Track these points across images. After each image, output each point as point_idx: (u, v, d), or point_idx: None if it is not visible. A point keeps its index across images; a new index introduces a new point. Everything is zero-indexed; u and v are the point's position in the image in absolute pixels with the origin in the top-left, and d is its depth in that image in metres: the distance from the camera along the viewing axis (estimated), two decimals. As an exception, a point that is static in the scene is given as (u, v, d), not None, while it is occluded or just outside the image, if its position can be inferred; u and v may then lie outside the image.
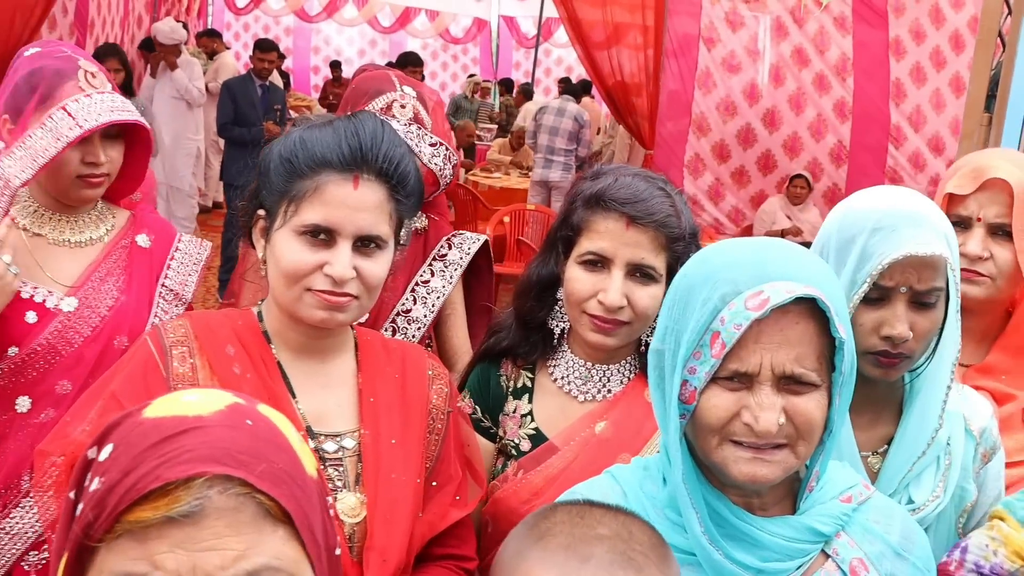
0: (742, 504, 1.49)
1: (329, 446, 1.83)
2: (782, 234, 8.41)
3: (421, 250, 2.86)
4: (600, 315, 2.07)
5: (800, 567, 1.47)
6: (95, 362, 2.38)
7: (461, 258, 2.83)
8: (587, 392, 2.20)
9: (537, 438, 2.19)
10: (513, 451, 2.21)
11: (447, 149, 2.80)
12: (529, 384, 2.25)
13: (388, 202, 1.79)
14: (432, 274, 2.80)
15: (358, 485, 1.81)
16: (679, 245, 2.08)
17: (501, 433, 2.25)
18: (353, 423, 1.87)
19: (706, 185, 8.78)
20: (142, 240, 2.59)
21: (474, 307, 3.04)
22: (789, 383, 1.40)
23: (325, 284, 1.73)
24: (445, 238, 2.90)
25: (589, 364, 2.20)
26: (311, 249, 1.73)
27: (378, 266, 1.80)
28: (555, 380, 2.23)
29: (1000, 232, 2.28)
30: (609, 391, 2.19)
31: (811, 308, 1.39)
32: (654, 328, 2.14)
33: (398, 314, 2.72)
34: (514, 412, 2.24)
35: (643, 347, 2.19)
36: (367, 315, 2.70)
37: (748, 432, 1.40)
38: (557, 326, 2.23)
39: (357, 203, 1.74)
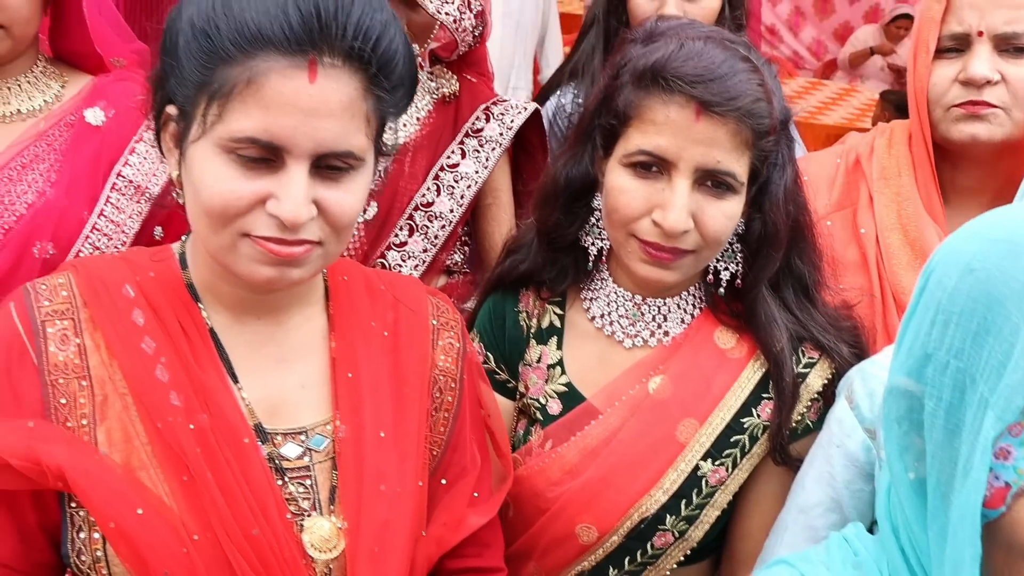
0: None
1: (290, 450, 1.29)
2: (871, 52, 7.55)
3: (451, 123, 2.24)
4: (655, 241, 1.47)
5: None
6: (7, 274, 1.87)
7: (502, 134, 2.22)
8: (636, 335, 1.65)
9: (570, 397, 1.66)
10: (538, 414, 1.67)
11: None
12: (558, 324, 1.70)
13: (364, 99, 1.18)
14: (463, 155, 2.18)
15: (333, 504, 1.28)
16: (768, 142, 1.47)
17: (522, 388, 1.71)
18: (324, 412, 1.32)
19: (785, 13, 7.90)
20: (93, 115, 2.00)
21: (525, 195, 2.42)
22: None
23: (270, 228, 1.17)
24: (482, 107, 2.26)
25: (638, 298, 1.63)
26: (246, 174, 1.15)
27: (351, 196, 1.21)
28: (592, 319, 1.67)
29: (1010, 48, 1.81)
30: (666, 334, 1.64)
31: None
32: (726, 252, 1.60)
33: (416, 208, 2.14)
34: (538, 362, 1.69)
35: (711, 275, 1.61)
36: (371, 213, 2.15)
37: None
38: (593, 244, 1.64)
39: (315, 103, 1.13)
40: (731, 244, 1.60)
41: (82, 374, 1.21)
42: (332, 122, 1.14)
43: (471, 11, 2.14)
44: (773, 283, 1.62)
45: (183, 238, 1.36)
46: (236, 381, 1.28)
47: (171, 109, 1.21)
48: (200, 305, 1.29)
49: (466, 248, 2.32)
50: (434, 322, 1.43)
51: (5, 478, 1.16)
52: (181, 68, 1.16)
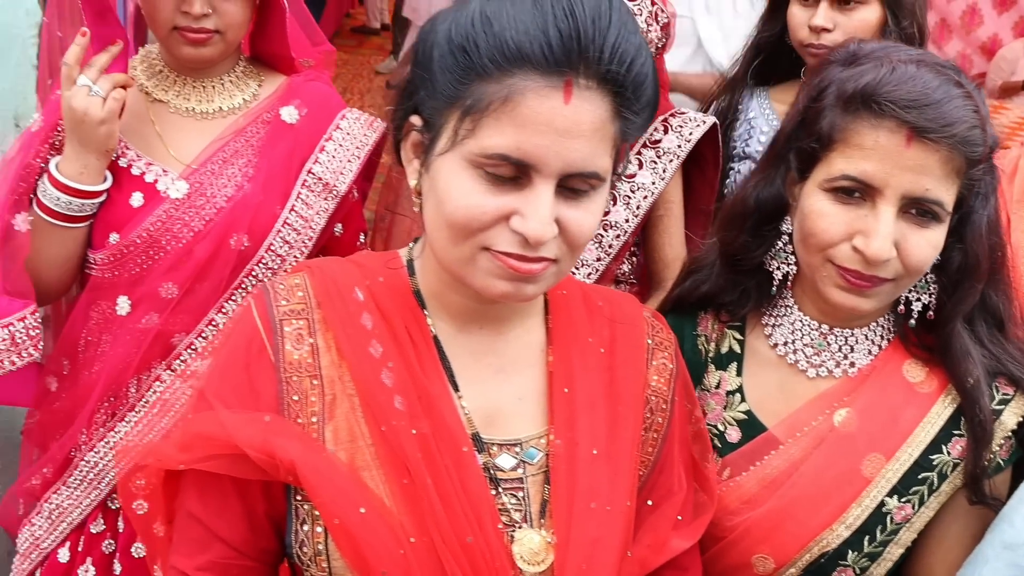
0: None
1: (505, 460, 1.30)
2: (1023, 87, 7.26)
3: None
4: (854, 268, 1.44)
5: None
6: (205, 263, 2.00)
7: (680, 146, 2.21)
8: (820, 365, 1.61)
9: (750, 425, 1.64)
10: (716, 441, 1.65)
11: (653, 3, 2.14)
12: (738, 349, 1.67)
13: (612, 122, 1.19)
14: (640, 165, 2.18)
15: (544, 518, 1.29)
16: (978, 171, 1.43)
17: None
18: (539, 425, 1.33)
19: (929, 25, 7.63)
20: (288, 114, 2.09)
21: (695, 209, 2.43)
22: None
23: (511, 244, 1.18)
24: (660, 118, 2.25)
25: (824, 327, 1.59)
26: (492, 190, 1.16)
27: (590, 216, 1.22)
28: (775, 345, 1.64)
29: None
30: (852, 365, 1.60)
31: None
32: (918, 282, 1.56)
33: None
34: (717, 387, 1.67)
35: (901, 305, 1.56)
36: None
37: None
38: (779, 268, 1.61)
39: (568, 124, 1.14)
40: (925, 274, 1.56)
41: (314, 373, 1.25)
42: (582, 143, 1.15)
43: (658, 23, 2.14)
44: (967, 316, 1.57)
45: (410, 245, 1.39)
46: (456, 389, 1.30)
47: (416, 120, 1.24)
48: (426, 312, 1.32)
49: (634, 259, 2.31)
50: (649, 341, 1.43)
51: (241, 468, 1.21)
52: (434, 81, 1.18)
